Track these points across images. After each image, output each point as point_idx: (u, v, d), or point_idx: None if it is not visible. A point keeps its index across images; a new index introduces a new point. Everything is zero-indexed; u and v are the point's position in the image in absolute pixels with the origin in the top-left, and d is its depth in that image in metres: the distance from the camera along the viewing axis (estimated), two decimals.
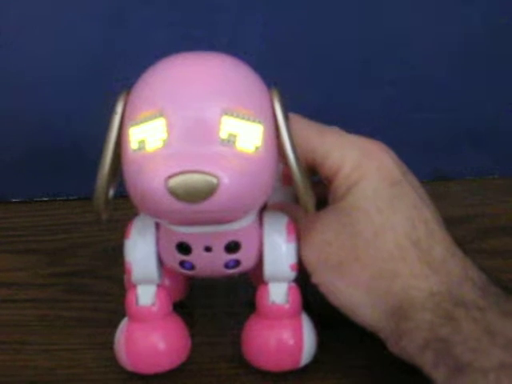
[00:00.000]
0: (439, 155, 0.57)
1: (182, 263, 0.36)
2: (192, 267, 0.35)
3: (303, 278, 0.37)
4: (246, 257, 0.35)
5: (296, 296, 0.36)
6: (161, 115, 0.30)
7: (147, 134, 0.30)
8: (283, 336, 0.36)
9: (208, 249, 0.34)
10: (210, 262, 0.35)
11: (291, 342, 0.36)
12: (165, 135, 0.30)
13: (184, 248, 0.35)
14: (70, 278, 0.47)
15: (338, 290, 0.34)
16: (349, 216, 0.34)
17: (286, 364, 0.36)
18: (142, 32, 0.52)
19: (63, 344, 0.41)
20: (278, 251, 0.36)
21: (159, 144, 0.30)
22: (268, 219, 0.36)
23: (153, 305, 0.36)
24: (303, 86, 0.51)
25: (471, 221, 0.52)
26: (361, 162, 0.35)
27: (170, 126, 0.30)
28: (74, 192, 0.56)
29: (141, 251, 0.36)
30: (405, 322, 0.33)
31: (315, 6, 0.52)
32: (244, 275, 0.38)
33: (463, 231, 0.50)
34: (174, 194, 0.29)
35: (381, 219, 0.34)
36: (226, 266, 0.35)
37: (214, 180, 0.29)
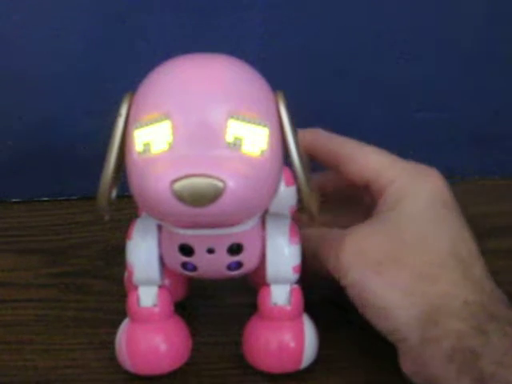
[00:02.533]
0: (440, 155, 0.57)
1: (184, 264, 0.35)
2: (194, 269, 0.35)
3: (302, 280, 0.37)
4: (248, 259, 0.35)
5: (298, 298, 0.36)
6: (166, 118, 0.30)
7: (152, 137, 0.30)
8: (285, 338, 0.36)
9: (211, 251, 0.34)
10: (213, 264, 0.35)
11: (293, 343, 0.36)
12: (170, 138, 0.30)
13: (187, 250, 0.35)
14: (70, 278, 0.47)
15: (374, 290, 0.34)
16: (395, 222, 0.35)
17: (287, 366, 0.36)
18: (143, 33, 0.52)
19: (63, 344, 0.40)
20: (281, 253, 0.36)
21: (164, 147, 0.30)
22: (271, 221, 0.36)
23: (154, 306, 0.36)
24: (304, 87, 0.51)
25: (471, 221, 0.51)
26: (415, 180, 0.37)
27: (175, 129, 0.30)
28: (74, 192, 0.56)
29: (143, 252, 0.36)
30: (434, 329, 0.32)
31: (315, 5, 0.52)
32: (245, 277, 0.38)
33: None
34: (180, 197, 0.29)
35: (426, 230, 0.35)
36: (229, 267, 0.35)
37: (220, 184, 0.29)
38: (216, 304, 0.43)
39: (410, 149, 0.56)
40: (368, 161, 0.38)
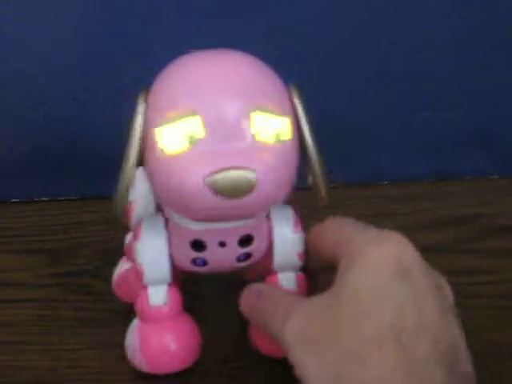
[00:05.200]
0: (439, 155, 0.57)
1: (194, 260, 0.36)
2: (204, 263, 0.36)
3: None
4: (257, 249, 0.36)
5: (304, 284, 0.37)
6: (194, 114, 0.30)
7: (181, 133, 0.30)
8: None
9: (222, 244, 0.35)
10: (223, 257, 0.35)
11: None
12: (200, 133, 0.30)
13: (199, 245, 0.35)
14: (70, 278, 0.47)
15: (308, 371, 0.31)
16: (337, 295, 0.32)
17: None
18: (144, 31, 0.52)
19: (63, 344, 0.41)
20: (287, 241, 0.37)
21: (195, 143, 0.30)
22: (275, 211, 0.37)
23: (165, 304, 0.37)
24: (306, 86, 0.51)
25: (471, 221, 0.52)
26: (365, 249, 0.33)
27: (204, 125, 0.30)
28: (74, 192, 0.56)
29: (153, 252, 0.36)
30: None
31: (316, 6, 0.52)
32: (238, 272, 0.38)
33: (463, 231, 0.50)
34: (216, 190, 0.29)
35: (369, 303, 0.31)
36: (238, 259, 0.36)
37: (254, 175, 0.29)
38: (221, 304, 0.43)
39: (409, 149, 0.57)
40: (333, 234, 0.35)
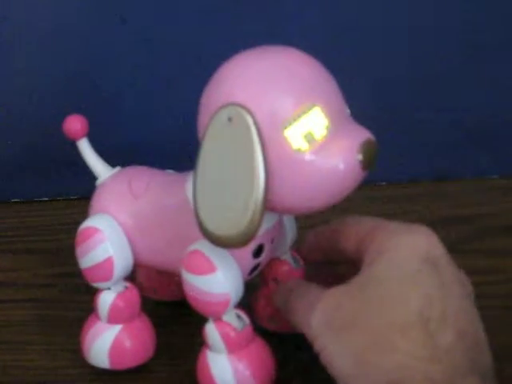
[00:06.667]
0: (439, 155, 0.57)
1: (254, 269, 0.35)
2: (257, 268, 0.36)
3: None
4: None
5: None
6: (314, 105, 0.30)
7: (309, 127, 0.30)
8: None
9: (273, 240, 0.36)
10: (269, 254, 0.36)
11: None
12: (326, 121, 0.30)
13: (259, 250, 0.35)
14: (70, 278, 0.47)
15: (332, 358, 0.31)
16: (365, 284, 0.32)
17: None
18: (144, 30, 0.52)
19: (63, 344, 0.41)
20: (292, 220, 0.38)
21: (324, 131, 0.30)
22: None
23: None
24: None
25: (471, 221, 0.52)
26: (394, 237, 0.33)
27: (325, 112, 0.30)
28: (74, 192, 0.56)
29: (234, 280, 0.34)
30: None
31: (316, 6, 0.52)
32: None
33: (463, 231, 0.50)
34: (364, 161, 0.30)
35: (396, 290, 0.31)
36: (271, 250, 0.36)
37: (377, 146, 0.31)
38: None
39: (409, 149, 0.57)
40: (356, 229, 0.36)
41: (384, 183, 0.57)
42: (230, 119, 0.30)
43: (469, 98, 0.55)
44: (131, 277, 0.39)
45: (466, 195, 0.55)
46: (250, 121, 0.30)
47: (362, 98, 0.54)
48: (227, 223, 0.30)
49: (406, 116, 0.56)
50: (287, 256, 0.39)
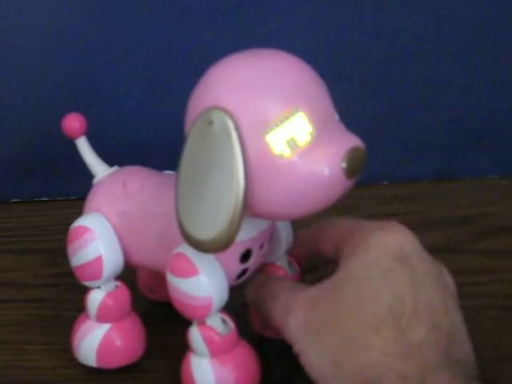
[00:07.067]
0: (440, 155, 0.57)
1: (241, 273, 0.35)
2: (245, 273, 0.35)
3: None
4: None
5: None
6: (297, 111, 0.29)
7: (292, 132, 0.29)
8: None
9: (262, 246, 0.35)
10: (258, 259, 0.35)
11: None
12: (309, 127, 0.30)
13: (246, 255, 0.34)
14: (70, 278, 0.46)
15: (311, 359, 0.32)
16: (338, 284, 0.33)
17: None
18: (144, 30, 0.52)
19: (63, 344, 0.41)
20: (287, 226, 0.38)
21: (308, 137, 0.30)
22: None
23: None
24: None
25: (471, 221, 0.52)
26: (368, 237, 0.33)
27: (309, 118, 0.30)
28: (73, 192, 0.56)
29: (218, 283, 0.34)
30: None
31: (317, 5, 0.52)
32: None
33: (463, 231, 0.50)
34: (349, 169, 0.29)
35: (369, 289, 0.32)
36: (263, 255, 0.36)
37: (365, 154, 0.30)
38: None
39: (409, 149, 0.57)
40: (333, 231, 0.36)
41: (384, 183, 0.57)
42: (210, 122, 0.30)
43: (469, 98, 0.55)
44: (132, 277, 0.39)
45: (466, 195, 0.55)
46: (231, 125, 0.29)
47: (361, 98, 0.55)
48: (206, 227, 0.30)
49: (406, 116, 0.56)
50: (282, 261, 0.39)
